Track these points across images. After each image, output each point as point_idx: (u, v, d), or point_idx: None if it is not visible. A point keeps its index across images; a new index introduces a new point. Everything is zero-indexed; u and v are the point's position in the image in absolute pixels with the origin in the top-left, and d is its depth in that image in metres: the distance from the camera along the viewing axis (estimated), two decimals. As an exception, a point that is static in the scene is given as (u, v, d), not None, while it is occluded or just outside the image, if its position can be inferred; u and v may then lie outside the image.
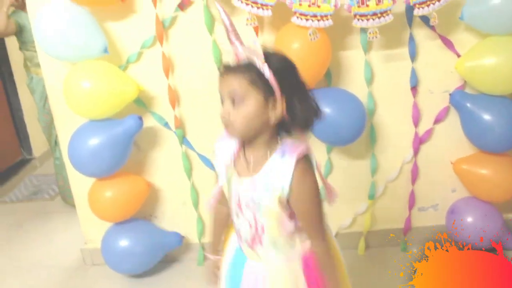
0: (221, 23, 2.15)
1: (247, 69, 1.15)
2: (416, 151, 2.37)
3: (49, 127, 3.25)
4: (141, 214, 2.44)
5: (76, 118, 2.21)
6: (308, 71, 1.91)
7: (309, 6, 1.96)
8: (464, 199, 2.40)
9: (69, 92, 2.12)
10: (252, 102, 1.15)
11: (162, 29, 2.17)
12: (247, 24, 2.03)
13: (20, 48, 3.24)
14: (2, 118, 4.20)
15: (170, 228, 2.51)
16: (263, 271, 1.30)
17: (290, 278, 1.29)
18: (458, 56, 2.21)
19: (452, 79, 2.27)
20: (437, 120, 2.34)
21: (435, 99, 2.31)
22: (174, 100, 2.28)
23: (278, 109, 1.16)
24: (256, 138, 1.21)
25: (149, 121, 2.32)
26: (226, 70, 1.19)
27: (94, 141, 2.13)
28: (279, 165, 1.18)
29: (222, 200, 1.38)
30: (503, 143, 2.17)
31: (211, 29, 2.17)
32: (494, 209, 2.31)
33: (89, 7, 2.10)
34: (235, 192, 1.29)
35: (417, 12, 2.00)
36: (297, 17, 1.97)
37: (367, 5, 1.97)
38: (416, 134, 2.35)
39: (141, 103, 2.29)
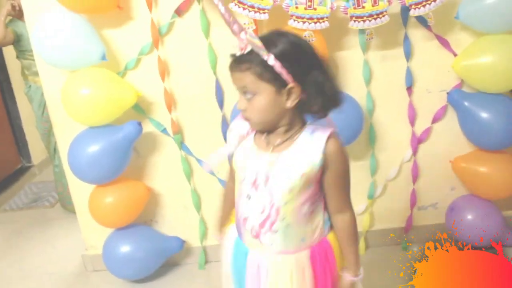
0: (217, 26, 2.17)
1: (253, 62, 1.13)
2: (414, 150, 2.39)
3: (47, 135, 3.25)
4: (141, 219, 2.45)
5: (75, 125, 2.21)
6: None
7: (306, 9, 1.97)
8: (463, 197, 2.41)
9: (68, 100, 2.12)
10: (264, 95, 1.14)
11: (158, 34, 2.18)
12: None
13: (18, 57, 3.25)
14: (1, 127, 4.21)
15: (170, 232, 2.51)
16: (267, 262, 1.27)
17: (296, 269, 1.26)
18: (455, 55, 2.22)
19: (449, 78, 2.28)
20: (435, 119, 2.35)
21: (432, 98, 2.32)
22: (171, 105, 2.28)
23: (294, 96, 1.15)
24: (276, 124, 1.21)
25: (148, 127, 2.33)
26: (234, 64, 1.18)
27: (93, 148, 2.13)
28: (309, 141, 1.19)
29: (231, 177, 1.39)
30: (501, 140, 2.18)
31: (207, 34, 2.18)
32: (493, 207, 2.32)
33: (86, 15, 2.10)
34: (251, 169, 1.25)
35: (413, 12, 2.01)
36: (294, 20, 1.99)
37: (363, 7, 1.99)
38: (413, 133, 2.36)
39: (140, 109, 2.29)
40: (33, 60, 2.55)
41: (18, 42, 3.13)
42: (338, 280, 1.30)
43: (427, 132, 2.37)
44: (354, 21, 2.02)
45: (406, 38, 2.21)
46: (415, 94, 2.31)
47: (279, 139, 1.22)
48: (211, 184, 2.40)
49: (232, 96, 2.26)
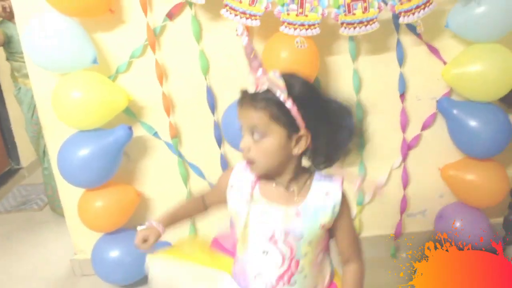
0: (209, 32, 2.17)
1: (269, 101, 1.07)
2: (404, 157, 2.40)
3: (37, 138, 3.23)
4: (131, 223, 2.43)
5: (65, 129, 2.20)
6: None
7: (297, 15, 1.98)
8: (452, 204, 2.42)
9: (58, 103, 2.11)
10: (274, 138, 1.09)
11: (154, 37, 2.18)
12: (237, 35, 2.04)
13: (7, 59, 3.22)
14: (-11, 129, 4.17)
15: (160, 237, 2.49)
16: None
17: None
18: (444, 63, 2.24)
19: (439, 85, 2.29)
20: (425, 126, 2.36)
21: (422, 105, 2.34)
22: (169, 109, 2.27)
23: (302, 144, 1.11)
24: (280, 171, 1.16)
25: (138, 131, 2.32)
26: (246, 100, 1.11)
27: (83, 152, 2.12)
28: (325, 191, 1.16)
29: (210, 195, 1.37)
30: (489, 148, 2.20)
31: (199, 39, 2.18)
32: (482, 214, 2.34)
33: (78, 18, 2.09)
34: (267, 226, 1.17)
35: (403, 20, 2.03)
36: (285, 27, 1.99)
37: (354, 14, 2.00)
38: (404, 140, 2.37)
39: (131, 113, 2.29)
40: (23, 62, 2.53)
41: (9, 44, 3.10)
42: None
43: (417, 139, 2.38)
44: (345, 27, 2.03)
45: (399, 43, 2.22)
46: (405, 101, 2.32)
47: (292, 190, 1.17)
48: (204, 189, 2.39)
49: (223, 101, 2.26)
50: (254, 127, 1.09)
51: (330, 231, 1.23)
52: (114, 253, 2.32)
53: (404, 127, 2.35)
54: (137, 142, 2.34)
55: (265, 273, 1.20)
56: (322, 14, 1.99)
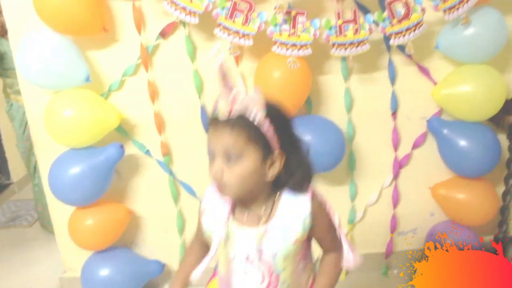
0: (203, 50, 2.18)
1: (244, 123, 1.06)
2: (395, 176, 2.41)
3: (28, 154, 3.21)
4: (122, 241, 2.42)
5: (56, 146, 2.19)
6: (289, 99, 1.95)
7: (289, 35, 2.00)
8: (443, 223, 2.43)
9: (50, 121, 2.11)
10: (249, 161, 1.07)
11: (147, 55, 2.19)
12: (230, 54, 2.06)
13: (0, 75, 3.22)
14: (-20, 143, 4.14)
15: (151, 255, 2.49)
16: None
17: None
18: (435, 83, 2.26)
19: (429, 105, 2.32)
20: (415, 145, 2.38)
21: (413, 125, 2.36)
22: (161, 127, 2.28)
23: (276, 166, 1.11)
24: (253, 196, 1.16)
25: (130, 149, 2.31)
26: (219, 123, 1.09)
27: (75, 170, 2.12)
28: (293, 207, 1.16)
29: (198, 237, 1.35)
30: (479, 167, 2.22)
31: (193, 57, 2.19)
32: (472, 233, 2.35)
33: (71, 36, 2.10)
34: (241, 248, 1.19)
35: (393, 41, 2.05)
36: (278, 47, 2.01)
37: (345, 35, 2.02)
38: (395, 158, 2.39)
39: (123, 131, 2.29)
40: (16, 78, 2.52)
41: (1, 60, 3.10)
42: None
43: (407, 158, 2.40)
44: (336, 48, 2.05)
45: (390, 63, 2.25)
46: (396, 119, 2.35)
47: (262, 212, 1.17)
48: (196, 208, 2.38)
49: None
50: (230, 150, 1.07)
51: (309, 236, 1.22)
52: (104, 272, 2.29)
53: (396, 145, 2.37)
54: (129, 160, 2.34)
55: None
56: (314, 35, 2.01)
